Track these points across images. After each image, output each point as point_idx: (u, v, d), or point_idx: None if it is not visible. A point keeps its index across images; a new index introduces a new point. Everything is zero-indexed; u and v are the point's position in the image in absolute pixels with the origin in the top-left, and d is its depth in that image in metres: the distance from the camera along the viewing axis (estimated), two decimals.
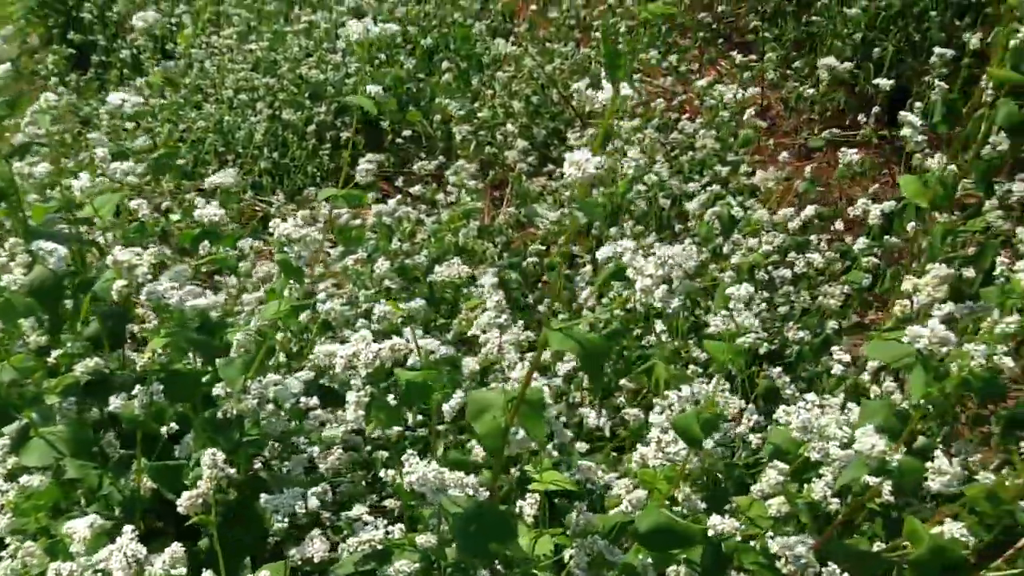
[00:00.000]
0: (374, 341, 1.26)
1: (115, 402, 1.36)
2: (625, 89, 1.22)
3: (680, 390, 1.37)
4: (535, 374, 1.27)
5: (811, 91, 3.83)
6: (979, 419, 2.30)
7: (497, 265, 2.98)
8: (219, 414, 1.40)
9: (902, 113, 1.99)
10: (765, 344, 2.27)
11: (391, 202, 3.25)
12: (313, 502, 1.67)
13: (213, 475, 1.13)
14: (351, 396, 1.32)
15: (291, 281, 1.40)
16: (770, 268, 2.41)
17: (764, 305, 2.44)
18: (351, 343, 1.24)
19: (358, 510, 1.58)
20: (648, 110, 3.85)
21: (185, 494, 1.12)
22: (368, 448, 1.87)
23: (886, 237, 2.10)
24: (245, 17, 4.72)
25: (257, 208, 4.10)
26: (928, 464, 1.16)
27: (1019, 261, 1.30)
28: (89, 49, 5.29)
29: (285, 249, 1.35)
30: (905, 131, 1.96)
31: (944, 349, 1.13)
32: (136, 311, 1.84)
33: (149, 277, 1.29)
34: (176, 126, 4.43)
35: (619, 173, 3.28)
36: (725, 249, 2.37)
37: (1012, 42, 1.61)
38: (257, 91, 4.40)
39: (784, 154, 3.09)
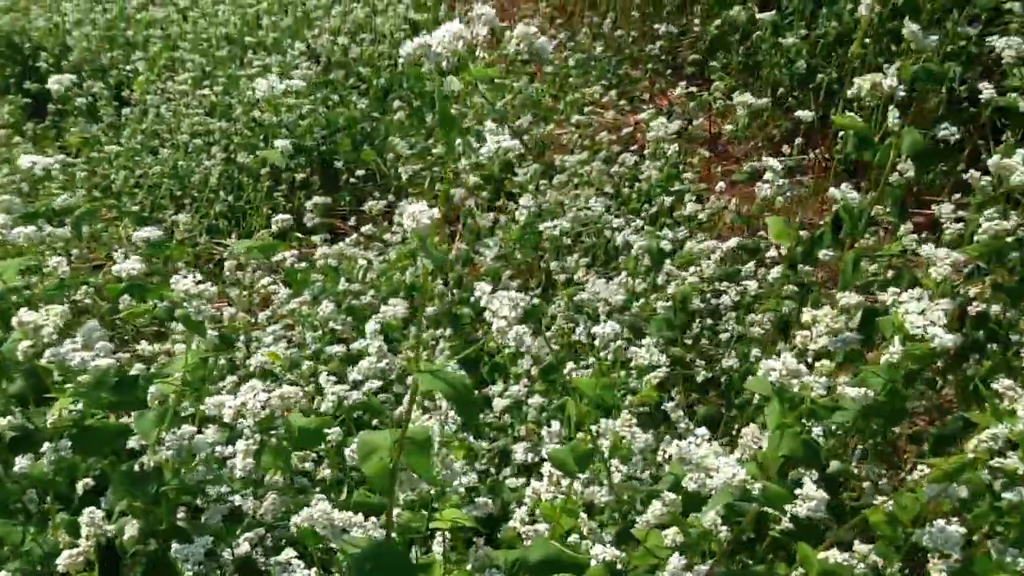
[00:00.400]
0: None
1: (21, 462, 1.37)
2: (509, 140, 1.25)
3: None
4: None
5: (756, 119, 3.90)
6: (916, 438, 2.34)
7: (447, 302, 3.01)
8: (136, 467, 1.41)
9: (765, 158, 2.05)
10: (703, 372, 2.31)
11: (347, 241, 3.29)
12: (245, 548, 1.68)
13: (92, 533, 1.15)
14: (240, 444, 1.34)
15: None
16: (708, 296, 2.46)
17: (706, 332, 2.49)
18: (241, 393, 1.27)
19: (287, 554, 1.59)
20: (594, 143, 3.90)
21: (64, 552, 1.14)
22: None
23: (800, 266, 2.15)
24: (199, 62, 4.75)
25: (214, 251, 4.12)
26: (797, 491, 1.19)
27: (907, 291, 1.34)
28: (46, 97, 5.30)
29: (185, 304, 1.37)
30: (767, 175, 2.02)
31: (795, 381, 1.17)
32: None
33: (55, 336, 1.31)
34: (132, 172, 4.45)
35: (566, 207, 3.33)
36: (660, 280, 2.42)
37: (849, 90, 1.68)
38: (212, 135, 4.43)
39: (720, 184, 3.14)
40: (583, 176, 3.51)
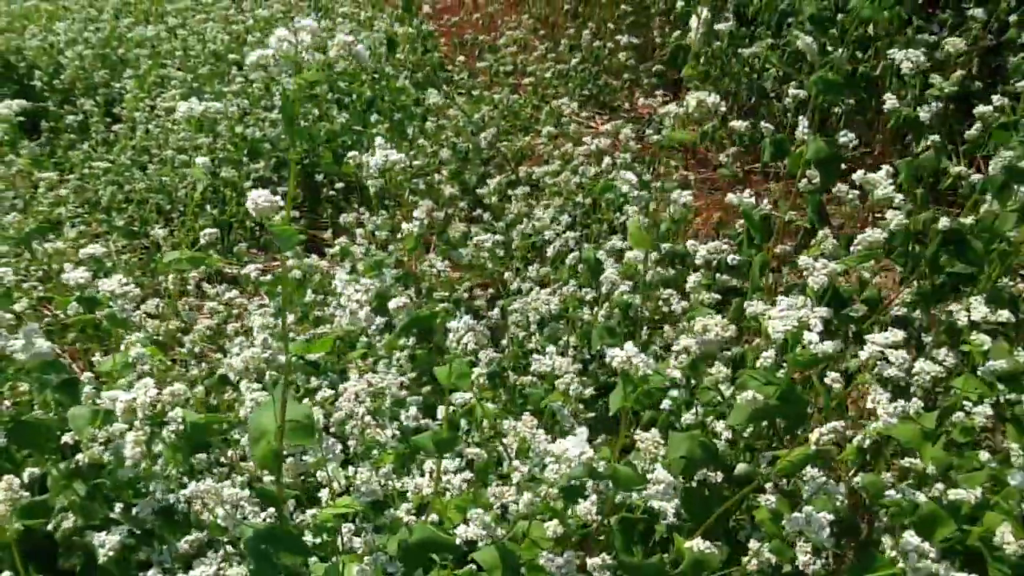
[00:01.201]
0: None
1: None
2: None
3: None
4: None
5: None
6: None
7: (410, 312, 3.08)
8: (73, 464, 1.50)
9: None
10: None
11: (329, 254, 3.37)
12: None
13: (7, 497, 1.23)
14: (129, 436, 1.42)
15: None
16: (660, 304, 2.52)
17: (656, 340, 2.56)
18: (134, 390, 1.36)
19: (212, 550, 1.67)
20: (565, 153, 3.97)
21: None
22: None
23: (718, 275, 2.23)
24: (186, 79, 4.86)
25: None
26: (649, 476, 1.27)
27: (775, 304, 1.40)
28: (41, 116, 5.42)
29: (111, 304, 1.46)
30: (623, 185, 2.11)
31: (638, 366, 1.24)
32: None
33: None
34: (121, 187, 4.56)
35: (532, 218, 3.40)
36: (604, 290, 2.49)
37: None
38: (199, 150, 4.53)
39: (686, 193, 3.21)
40: (552, 187, 3.58)
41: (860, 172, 1.94)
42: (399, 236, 3.69)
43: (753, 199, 2.02)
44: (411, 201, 3.93)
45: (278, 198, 1.23)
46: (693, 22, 3.73)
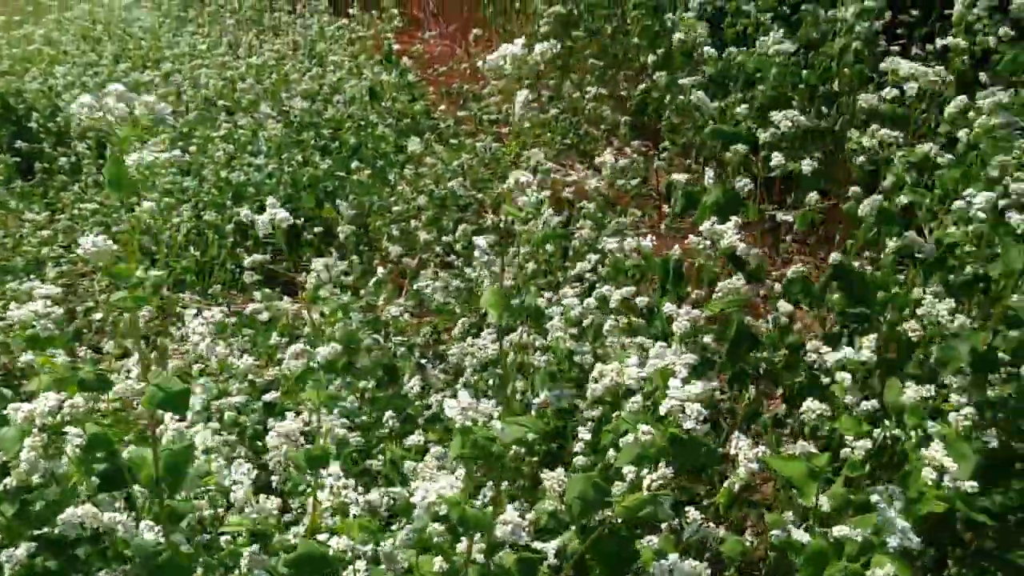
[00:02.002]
0: None
1: None
2: None
3: None
4: None
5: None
6: None
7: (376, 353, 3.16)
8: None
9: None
10: None
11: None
12: None
13: None
14: (26, 441, 1.47)
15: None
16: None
17: None
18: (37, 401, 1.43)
19: None
20: (548, 199, 4.05)
21: None
22: None
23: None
24: (174, 125, 4.99)
25: (184, 303, 4.30)
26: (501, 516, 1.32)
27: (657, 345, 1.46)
28: (36, 157, 5.55)
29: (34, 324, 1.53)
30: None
31: (472, 415, 1.30)
32: None
33: None
34: (108, 228, 4.66)
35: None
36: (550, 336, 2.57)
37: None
38: (185, 193, 4.65)
39: (649, 238, 3.30)
40: (522, 234, 3.66)
41: (706, 224, 2.03)
42: (372, 280, 3.80)
43: (652, 245, 2.10)
44: (385, 247, 4.02)
45: (111, 243, 1.33)
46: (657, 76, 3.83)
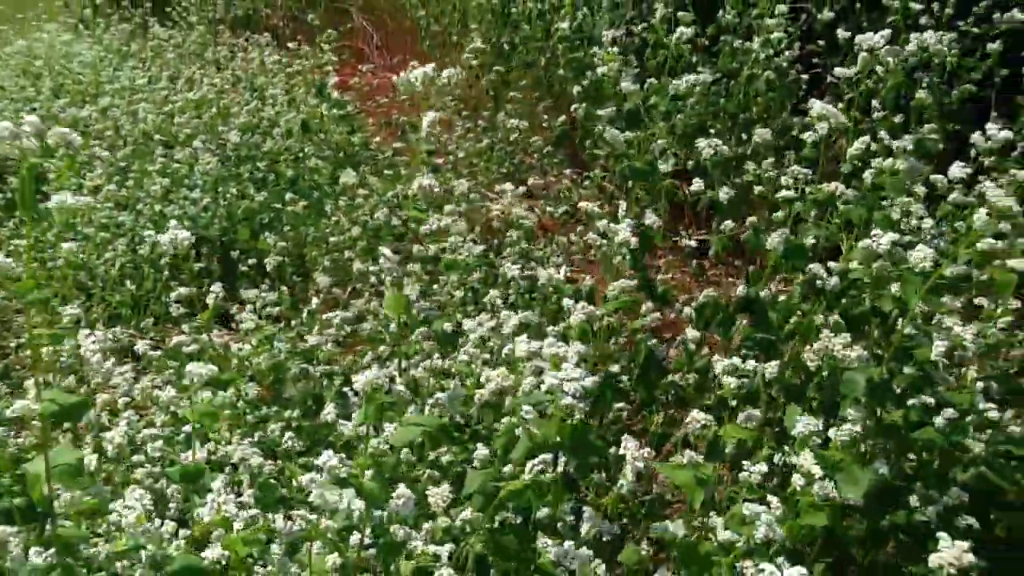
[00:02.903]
0: None
1: None
2: None
3: None
4: None
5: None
6: None
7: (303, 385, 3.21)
8: None
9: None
10: None
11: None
12: None
13: None
14: None
15: None
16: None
17: None
18: None
19: None
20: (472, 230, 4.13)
21: None
22: None
23: None
24: (112, 158, 5.02)
25: (117, 338, 4.31)
26: None
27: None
28: None
29: None
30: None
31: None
32: None
33: None
34: (44, 264, 4.67)
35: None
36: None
37: None
38: (120, 227, 4.67)
39: (563, 269, 3.39)
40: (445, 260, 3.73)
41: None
42: (305, 311, 3.85)
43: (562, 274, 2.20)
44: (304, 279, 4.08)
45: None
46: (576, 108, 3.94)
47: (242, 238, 4.57)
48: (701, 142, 2.49)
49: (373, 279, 4.22)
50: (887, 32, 3.21)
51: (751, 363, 2.01)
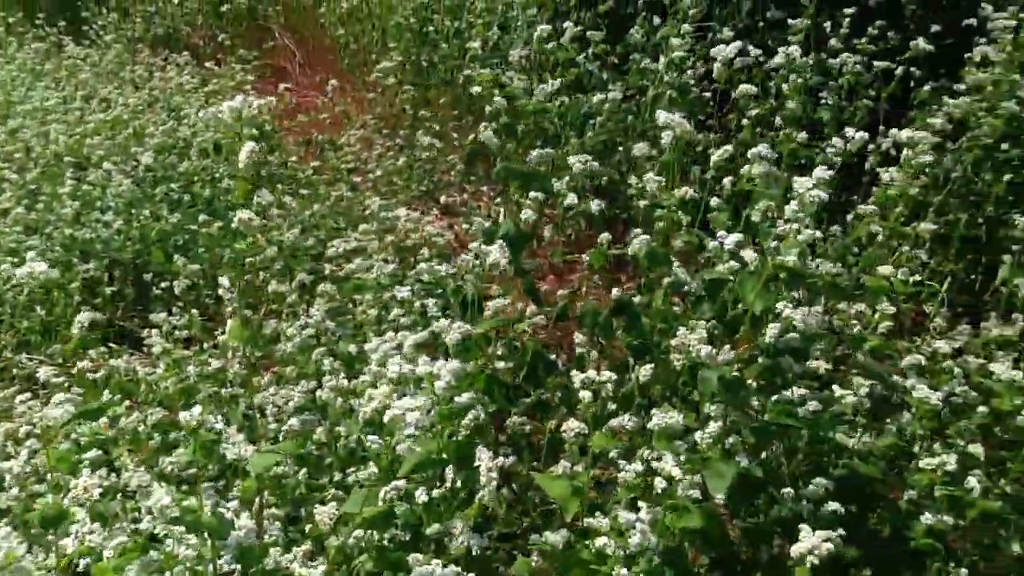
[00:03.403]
0: None
1: None
2: None
3: None
4: None
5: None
6: None
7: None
8: None
9: None
10: None
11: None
12: None
13: None
14: None
15: None
16: None
17: None
18: None
19: None
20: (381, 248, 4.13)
21: None
22: None
23: None
24: (18, 181, 4.92)
25: (23, 365, 4.22)
26: None
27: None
28: None
29: None
30: None
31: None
32: None
33: None
34: None
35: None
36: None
37: None
38: (32, 251, 4.58)
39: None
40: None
41: None
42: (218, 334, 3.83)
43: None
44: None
45: None
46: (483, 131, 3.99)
47: (156, 261, 4.52)
48: (572, 158, 2.57)
49: (290, 299, 4.22)
50: (791, 49, 3.33)
51: (607, 374, 2.06)
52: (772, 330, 2.06)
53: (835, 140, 2.64)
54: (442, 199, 4.50)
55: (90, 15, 7.97)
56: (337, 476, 2.30)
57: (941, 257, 3.71)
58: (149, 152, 5.05)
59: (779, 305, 2.05)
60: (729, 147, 2.54)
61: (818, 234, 2.55)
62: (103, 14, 7.96)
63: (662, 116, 2.42)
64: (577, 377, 2.03)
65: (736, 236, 2.19)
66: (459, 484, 1.83)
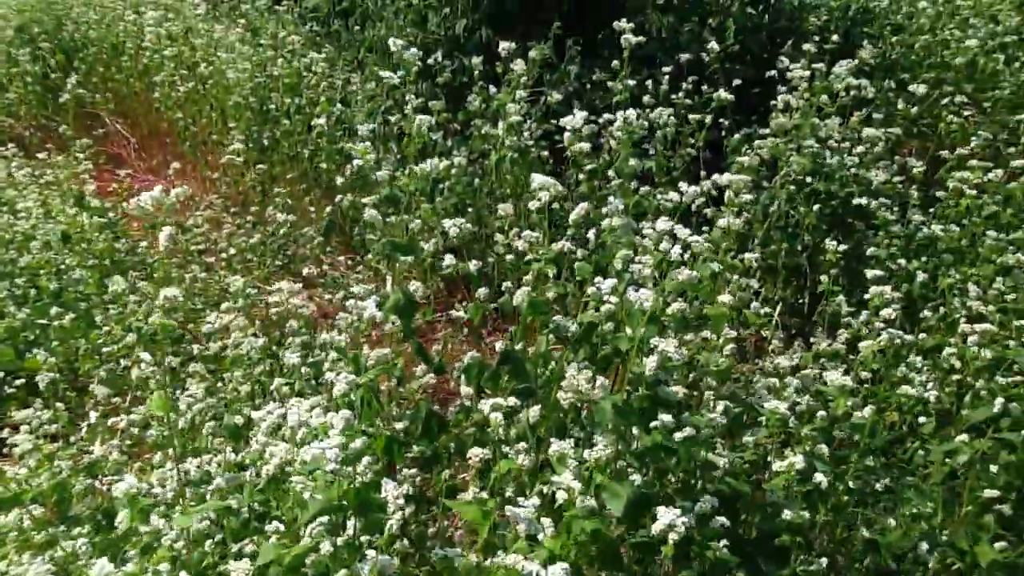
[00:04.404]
0: None
1: None
2: None
3: None
4: None
5: None
6: None
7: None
8: None
9: None
10: None
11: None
12: None
13: None
14: None
15: None
16: None
17: None
18: None
19: None
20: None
21: None
22: None
23: None
24: None
25: None
26: None
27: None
28: None
29: None
30: None
31: None
32: None
33: None
34: None
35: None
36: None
37: None
38: None
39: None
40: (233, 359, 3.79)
41: None
42: (84, 425, 3.76)
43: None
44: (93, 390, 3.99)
45: None
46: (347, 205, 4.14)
47: (5, 359, 4.38)
48: (447, 222, 2.77)
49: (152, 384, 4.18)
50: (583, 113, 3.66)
51: (512, 400, 2.26)
52: (651, 362, 2.30)
53: (671, 193, 2.93)
54: (304, 271, 4.59)
55: None
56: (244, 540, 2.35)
57: (770, 284, 4.12)
58: None
59: (653, 340, 2.30)
60: (586, 204, 2.78)
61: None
62: None
63: (537, 179, 2.67)
64: (485, 404, 2.21)
65: (611, 281, 2.43)
66: (359, 529, 1.94)
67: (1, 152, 6.65)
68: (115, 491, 1.62)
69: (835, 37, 5.33)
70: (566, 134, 3.03)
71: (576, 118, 3.01)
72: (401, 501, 1.79)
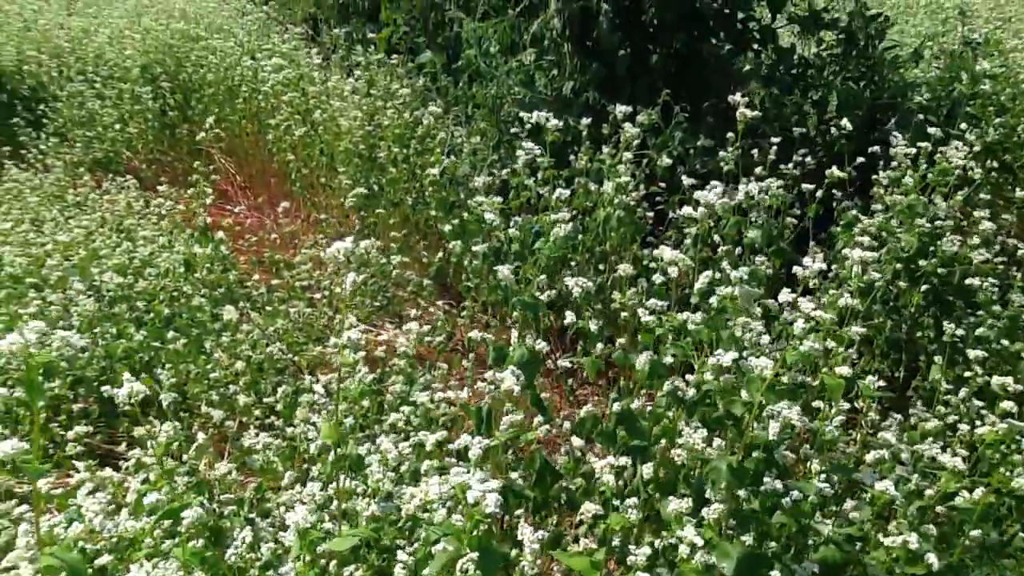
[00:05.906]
0: None
1: None
2: None
3: None
4: None
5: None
6: None
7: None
8: None
9: None
10: None
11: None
12: None
13: None
14: None
15: None
16: None
17: None
18: None
19: None
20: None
21: None
22: None
23: None
24: None
25: None
26: None
27: None
28: None
29: None
30: None
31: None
32: None
33: None
34: None
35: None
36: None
37: None
38: None
39: (466, 390, 3.66)
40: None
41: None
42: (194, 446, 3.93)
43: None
44: (205, 412, 4.17)
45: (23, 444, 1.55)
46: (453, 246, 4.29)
47: (121, 378, 4.60)
48: (569, 280, 2.90)
49: (258, 412, 4.36)
50: (718, 188, 3.76)
51: (624, 459, 2.34)
52: (774, 427, 2.37)
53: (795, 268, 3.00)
54: (412, 313, 4.75)
55: (27, 139, 8.08)
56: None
57: (868, 357, 4.13)
58: (109, 272, 5.18)
59: (777, 406, 2.37)
60: (709, 272, 2.87)
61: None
62: (41, 138, 8.07)
63: (668, 253, 2.79)
64: (598, 464, 2.29)
65: (732, 354, 2.52)
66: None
67: (121, 183, 7.04)
68: (288, 520, 1.72)
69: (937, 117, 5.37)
70: (700, 209, 3.11)
71: (710, 194, 3.10)
72: (536, 546, 1.87)
